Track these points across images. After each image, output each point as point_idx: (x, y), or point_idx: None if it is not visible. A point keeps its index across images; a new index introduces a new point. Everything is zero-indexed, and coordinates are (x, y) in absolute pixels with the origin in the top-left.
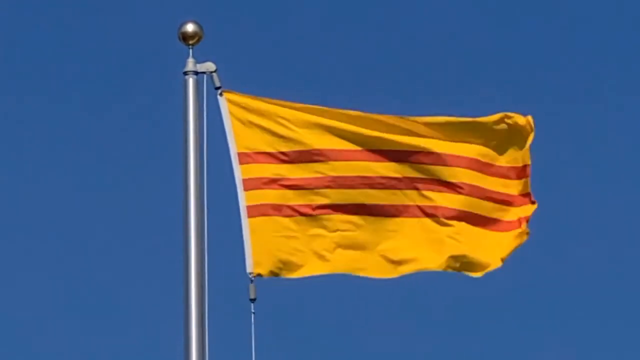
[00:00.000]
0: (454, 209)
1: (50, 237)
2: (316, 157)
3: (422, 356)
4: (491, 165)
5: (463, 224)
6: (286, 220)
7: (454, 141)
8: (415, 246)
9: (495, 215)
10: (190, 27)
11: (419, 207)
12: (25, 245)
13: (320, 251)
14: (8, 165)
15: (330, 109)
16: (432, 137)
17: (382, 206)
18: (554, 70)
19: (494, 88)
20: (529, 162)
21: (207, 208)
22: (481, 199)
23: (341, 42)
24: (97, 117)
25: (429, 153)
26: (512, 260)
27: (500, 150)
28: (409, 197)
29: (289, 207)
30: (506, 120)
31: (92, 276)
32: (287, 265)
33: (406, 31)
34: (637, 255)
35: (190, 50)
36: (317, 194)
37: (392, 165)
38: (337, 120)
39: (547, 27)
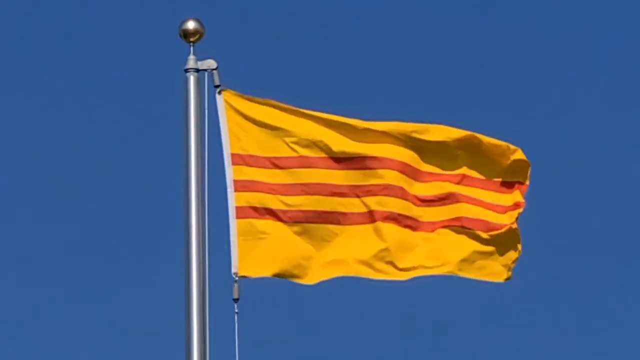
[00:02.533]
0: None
1: (50, 237)
2: (307, 165)
3: (414, 358)
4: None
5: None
6: (273, 224)
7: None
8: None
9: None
10: (191, 25)
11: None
12: (25, 245)
13: (304, 258)
14: (7, 165)
15: (328, 116)
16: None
17: (365, 214)
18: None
19: (492, 88)
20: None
21: (208, 206)
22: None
23: (342, 41)
24: (97, 114)
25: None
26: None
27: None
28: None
29: (276, 211)
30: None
31: (92, 276)
32: (272, 267)
33: (407, 31)
34: (637, 256)
35: (192, 48)
36: (305, 199)
37: (394, 173)
38: (332, 129)
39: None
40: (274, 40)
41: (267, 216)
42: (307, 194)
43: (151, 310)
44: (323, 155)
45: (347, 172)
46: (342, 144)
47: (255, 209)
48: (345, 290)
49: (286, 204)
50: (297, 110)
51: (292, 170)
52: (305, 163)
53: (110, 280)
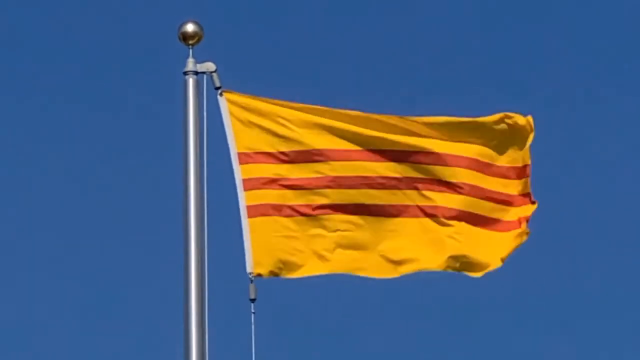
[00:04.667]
0: (454, 209)
1: (50, 237)
2: (316, 157)
3: (421, 356)
4: (491, 165)
5: (463, 224)
6: (286, 220)
7: (453, 141)
8: (415, 246)
9: (495, 215)
10: (190, 27)
11: (419, 207)
12: (25, 245)
13: (320, 251)
14: (7, 165)
15: (330, 109)
16: (432, 137)
17: (382, 206)
18: (553, 70)
19: (493, 88)
20: (529, 162)
21: (207, 208)
22: (481, 199)
23: (341, 42)
24: (96, 116)
25: (429, 153)
26: (512, 260)
27: (500, 150)
28: (409, 197)
29: (288, 207)
30: (506, 120)
31: (91, 276)
32: (287, 265)
33: (406, 31)
34: (637, 256)
35: (190, 50)
36: (317, 194)
37: (392, 165)
38: (337, 120)
39: (545, 27)
40: (272, 42)
41: (278, 212)
42: (323, 187)
43: (150, 311)
44: (332, 147)
45: (359, 162)
46: (347, 136)
47: (265, 206)
48: (344, 288)
49: (297, 199)
50: (299, 106)
51: (303, 165)
52: (313, 155)
53: (110, 280)
